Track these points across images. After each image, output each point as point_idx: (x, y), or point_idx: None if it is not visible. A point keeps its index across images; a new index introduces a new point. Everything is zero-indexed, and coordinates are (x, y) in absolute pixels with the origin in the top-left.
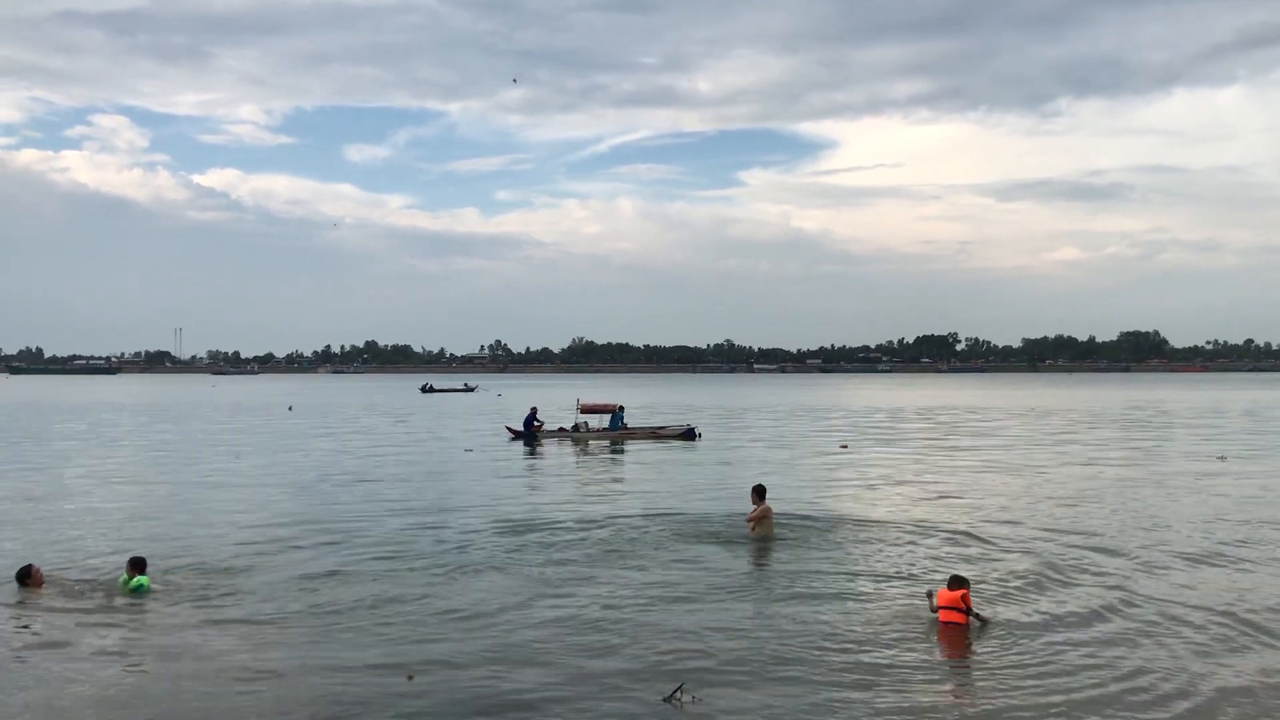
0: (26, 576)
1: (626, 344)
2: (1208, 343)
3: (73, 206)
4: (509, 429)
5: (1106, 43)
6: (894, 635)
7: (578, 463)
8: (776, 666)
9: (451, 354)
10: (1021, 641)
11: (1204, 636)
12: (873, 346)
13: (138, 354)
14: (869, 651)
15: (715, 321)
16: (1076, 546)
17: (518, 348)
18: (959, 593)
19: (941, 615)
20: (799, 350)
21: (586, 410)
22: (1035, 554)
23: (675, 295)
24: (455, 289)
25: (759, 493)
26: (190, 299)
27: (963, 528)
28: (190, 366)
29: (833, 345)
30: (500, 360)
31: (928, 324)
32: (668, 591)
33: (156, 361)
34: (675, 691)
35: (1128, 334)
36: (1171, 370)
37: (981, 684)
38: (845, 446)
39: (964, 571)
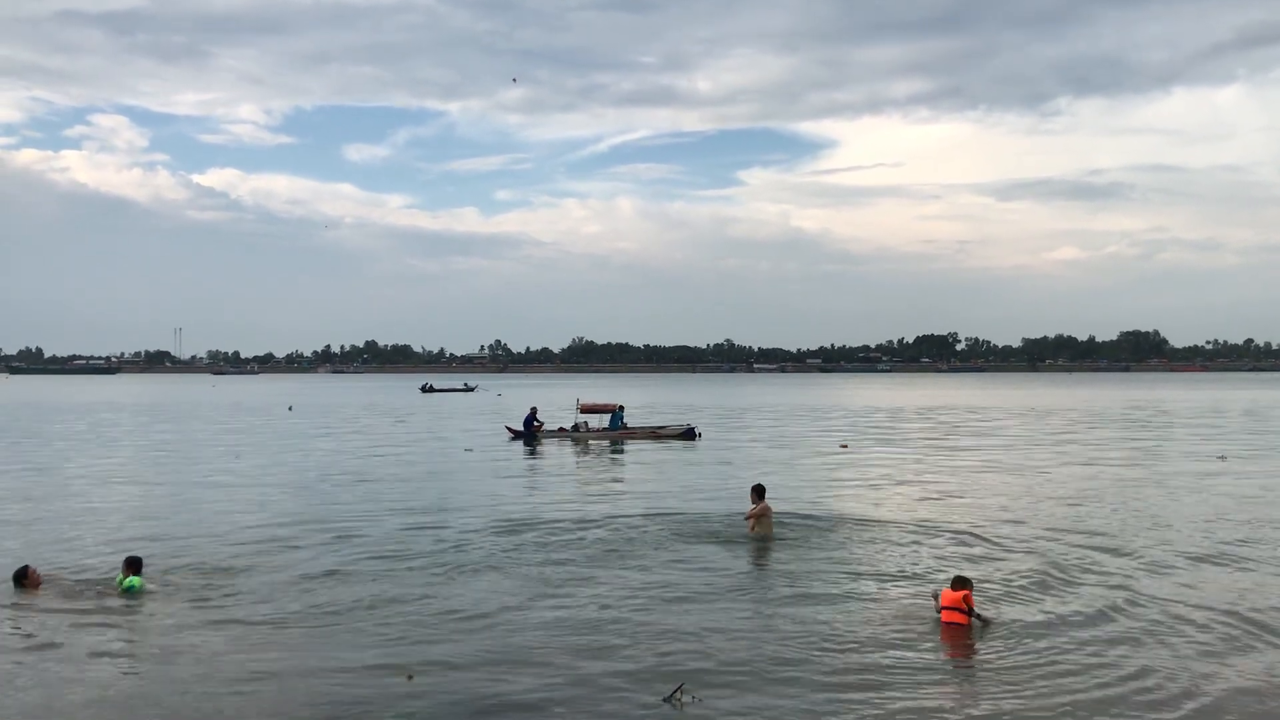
0: (23, 577)
1: (626, 344)
2: (1208, 342)
3: (72, 206)
4: (509, 429)
5: (1106, 42)
6: (895, 636)
7: (578, 463)
8: (776, 667)
9: (451, 354)
10: (1025, 641)
11: (1208, 636)
12: (873, 346)
13: (137, 354)
14: (870, 652)
15: (715, 321)
16: (1078, 546)
17: (517, 347)
18: (962, 593)
19: (944, 616)
20: (799, 350)
21: (586, 410)
22: (1037, 553)
23: (675, 295)
24: (455, 289)
25: (758, 492)
26: (190, 299)
27: (964, 527)
28: (190, 366)
29: (832, 345)
30: (500, 360)
31: (927, 324)
32: (668, 592)
33: (156, 361)
34: (675, 692)
35: (1127, 334)
36: (1171, 370)
37: (984, 685)
38: (845, 446)
39: (966, 571)
